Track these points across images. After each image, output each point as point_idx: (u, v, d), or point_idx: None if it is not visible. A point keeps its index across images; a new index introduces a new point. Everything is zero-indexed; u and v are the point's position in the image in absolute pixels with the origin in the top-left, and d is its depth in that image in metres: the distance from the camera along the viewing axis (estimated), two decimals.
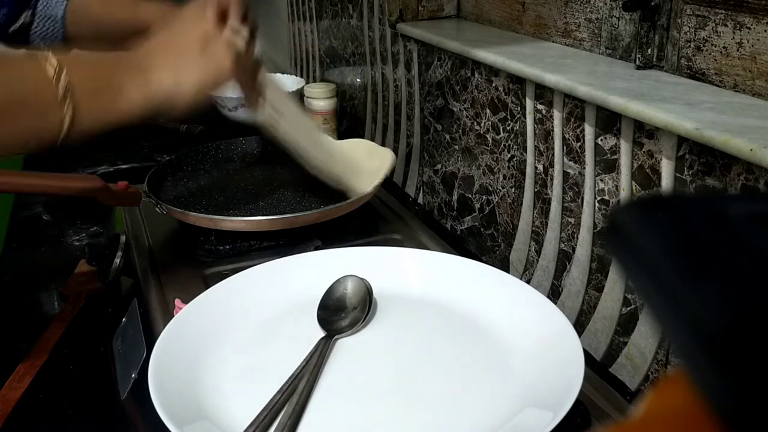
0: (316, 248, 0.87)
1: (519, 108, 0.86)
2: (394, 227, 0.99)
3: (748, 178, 0.56)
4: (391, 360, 0.67)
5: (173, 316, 0.70)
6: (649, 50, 0.72)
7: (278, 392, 0.60)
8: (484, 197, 0.98)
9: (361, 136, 1.38)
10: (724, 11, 0.65)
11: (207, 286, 0.75)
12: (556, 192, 0.81)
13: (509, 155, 0.90)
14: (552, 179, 0.81)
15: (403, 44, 1.14)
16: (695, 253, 0.18)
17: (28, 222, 1.07)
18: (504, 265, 0.94)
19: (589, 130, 0.74)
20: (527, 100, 0.84)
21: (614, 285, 0.73)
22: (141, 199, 0.93)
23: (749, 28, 0.62)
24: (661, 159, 0.65)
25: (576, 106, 0.75)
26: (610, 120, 0.70)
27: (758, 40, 0.62)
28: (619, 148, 0.70)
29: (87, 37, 0.92)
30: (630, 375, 0.72)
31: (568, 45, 0.86)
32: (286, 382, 0.61)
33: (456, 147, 1.03)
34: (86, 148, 1.38)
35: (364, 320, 0.70)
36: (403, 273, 0.78)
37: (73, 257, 0.96)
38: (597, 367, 0.74)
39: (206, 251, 0.90)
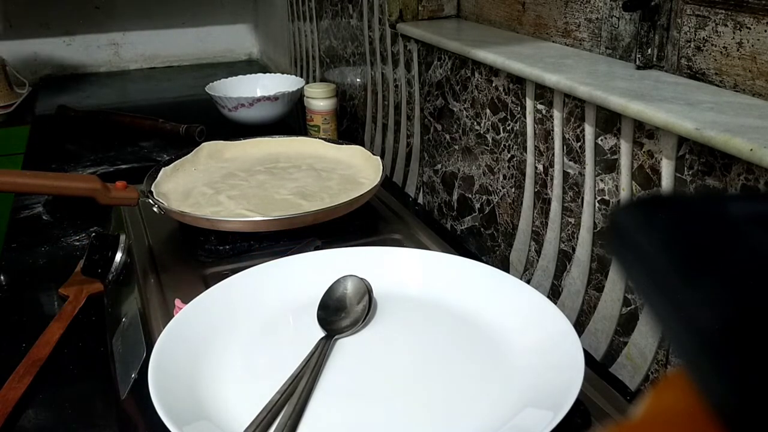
0: (316, 248, 0.87)
1: (519, 108, 0.86)
2: (394, 227, 0.99)
3: (748, 178, 0.56)
4: (391, 360, 0.67)
5: (173, 316, 0.70)
6: (649, 50, 0.72)
7: (278, 392, 0.60)
8: (484, 197, 0.98)
9: (362, 136, 1.38)
10: (724, 11, 0.65)
11: (207, 286, 0.75)
12: (556, 192, 0.81)
13: (509, 155, 0.90)
14: (552, 179, 0.81)
15: (403, 44, 1.14)
16: (695, 253, 0.18)
17: (28, 222, 1.07)
18: (504, 265, 0.94)
19: (589, 130, 0.74)
20: (527, 100, 0.84)
21: (614, 285, 0.73)
22: (139, 199, 0.93)
23: (749, 28, 0.62)
24: (661, 159, 0.65)
25: (576, 106, 0.75)
26: (610, 120, 0.70)
27: (758, 40, 0.62)
28: (619, 148, 0.70)
29: None
30: (630, 375, 0.72)
31: (568, 45, 0.86)
32: (286, 382, 0.61)
33: (456, 147, 1.03)
34: (87, 149, 1.38)
35: (364, 320, 0.70)
36: (403, 273, 0.78)
37: (73, 257, 0.96)
38: (597, 367, 0.74)
39: (206, 251, 0.90)
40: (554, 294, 0.84)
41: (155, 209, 0.94)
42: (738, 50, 0.64)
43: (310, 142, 1.19)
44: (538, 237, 0.86)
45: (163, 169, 1.06)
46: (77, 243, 1.01)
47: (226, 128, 1.43)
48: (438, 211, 1.12)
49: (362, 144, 1.22)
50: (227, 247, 0.91)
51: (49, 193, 0.94)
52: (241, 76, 1.57)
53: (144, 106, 1.70)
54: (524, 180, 0.87)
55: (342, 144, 1.16)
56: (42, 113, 1.67)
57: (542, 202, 0.84)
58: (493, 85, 0.90)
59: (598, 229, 0.75)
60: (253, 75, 1.59)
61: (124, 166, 1.28)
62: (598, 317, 0.76)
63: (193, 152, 1.13)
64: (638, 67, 0.73)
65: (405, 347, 0.69)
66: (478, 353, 0.67)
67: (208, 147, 1.15)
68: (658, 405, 0.19)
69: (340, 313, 0.71)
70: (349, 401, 0.61)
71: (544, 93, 0.81)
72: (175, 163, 1.09)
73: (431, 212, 1.14)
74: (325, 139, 1.20)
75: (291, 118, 1.49)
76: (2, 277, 0.95)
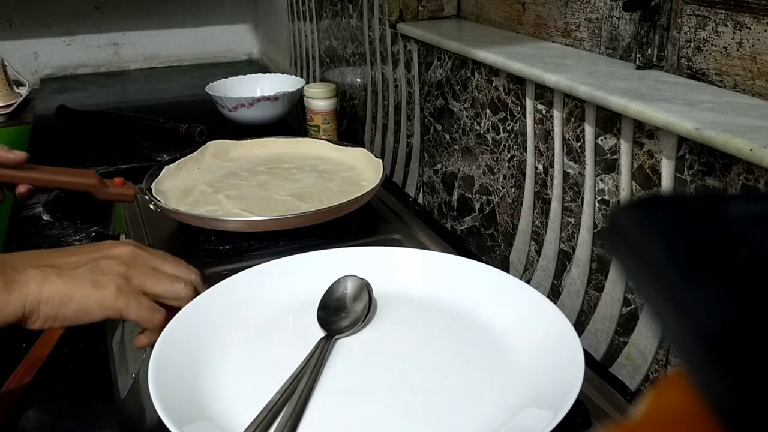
0: (316, 248, 0.87)
1: (519, 108, 0.86)
2: (394, 227, 0.99)
3: (748, 178, 0.56)
4: (390, 360, 0.67)
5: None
6: (649, 50, 0.72)
7: (278, 392, 0.60)
8: (484, 197, 0.98)
9: (362, 136, 1.38)
10: (724, 11, 0.65)
11: (207, 286, 0.75)
12: (556, 192, 0.81)
13: (509, 155, 0.90)
14: (552, 179, 0.81)
15: (403, 44, 1.14)
16: (695, 253, 0.18)
17: (28, 222, 1.07)
18: (504, 265, 0.94)
19: (589, 130, 0.74)
20: (527, 100, 0.84)
21: (614, 285, 0.73)
22: (135, 194, 0.92)
23: (749, 28, 0.62)
24: (661, 159, 0.65)
25: (576, 106, 0.75)
26: (610, 120, 0.70)
27: (758, 40, 0.62)
28: (619, 148, 0.70)
29: None
30: (630, 375, 0.72)
31: (568, 45, 0.86)
32: (286, 382, 0.61)
33: (456, 147, 1.03)
34: (87, 149, 1.38)
35: (364, 320, 0.70)
36: (403, 273, 0.78)
37: None
38: (597, 367, 0.74)
39: (206, 251, 0.90)
40: (554, 294, 0.84)
41: (151, 206, 0.94)
42: (738, 50, 0.64)
43: (316, 143, 1.19)
44: (538, 237, 0.86)
45: (166, 167, 1.06)
46: (77, 243, 1.01)
47: (226, 128, 1.43)
48: (438, 211, 1.12)
49: (362, 144, 1.22)
50: (227, 247, 0.91)
51: (46, 187, 0.94)
52: (241, 76, 1.57)
53: (144, 106, 1.70)
54: (524, 180, 0.87)
55: (347, 146, 1.15)
56: (42, 113, 1.67)
57: (542, 202, 0.84)
58: (493, 85, 0.90)
59: (598, 229, 0.75)
60: (253, 75, 1.59)
61: (124, 166, 1.28)
62: (598, 317, 0.76)
63: (198, 150, 1.13)
64: (638, 67, 0.73)
65: (405, 347, 0.69)
66: (477, 353, 0.67)
67: (214, 146, 1.15)
68: (658, 405, 0.19)
69: (340, 313, 0.71)
70: (349, 401, 0.61)
71: (544, 93, 0.81)
72: (179, 161, 1.09)
73: (431, 212, 1.14)
74: (330, 141, 1.19)
75: (291, 118, 1.49)
76: None
